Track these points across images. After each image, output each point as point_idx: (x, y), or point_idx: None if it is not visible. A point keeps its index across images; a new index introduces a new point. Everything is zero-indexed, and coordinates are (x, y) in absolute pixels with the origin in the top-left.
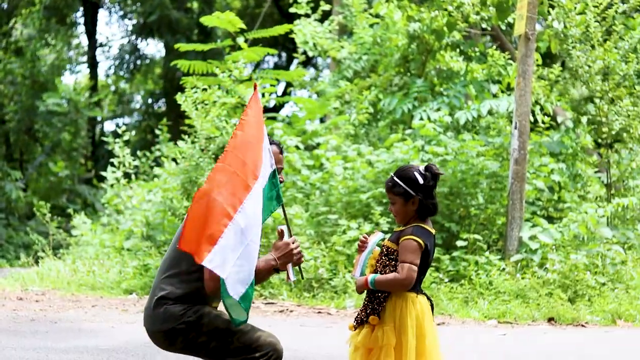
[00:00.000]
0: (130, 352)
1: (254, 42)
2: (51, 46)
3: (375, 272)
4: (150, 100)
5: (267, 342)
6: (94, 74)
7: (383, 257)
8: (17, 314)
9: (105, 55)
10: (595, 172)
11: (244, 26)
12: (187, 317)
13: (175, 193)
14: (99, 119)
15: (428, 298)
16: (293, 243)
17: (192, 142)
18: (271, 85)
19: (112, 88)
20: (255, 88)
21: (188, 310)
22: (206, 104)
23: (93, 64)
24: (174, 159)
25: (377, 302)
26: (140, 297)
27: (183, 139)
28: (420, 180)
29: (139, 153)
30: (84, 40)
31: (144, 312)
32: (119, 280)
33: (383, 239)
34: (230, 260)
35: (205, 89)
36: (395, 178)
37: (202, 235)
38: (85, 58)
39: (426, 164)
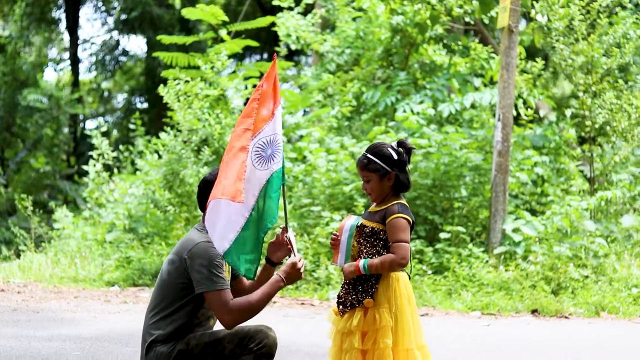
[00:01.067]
0: (113, 340)
1: (236, 36)
2: (32, 43)
3: (360, 255)
4: (131, 98)
5: (257, 331)
6: (75, 71)
7: (368, 238)
8: None
9: (87, 52)
10: (577, 166)
11: (226, 18)
12: (176, 351)
13: (157, 185)
14: (81, 117)
15: (408, 274)
16: (299, 261)
17: (175, 135)
18: (252, 78)
19: (94, 85)
20: (274, 58)
21: (176, 344)
22: (189, 96)
23: (74, 61)
24: (156, 151)
25: (369, 285)
26: (122, 289)
27: (166, 131)
28: (395, 156)
29: (121, 147)
30: (65, 37)
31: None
32: (101, 273)
33: (359, 222)
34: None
35: (187, 81)
36: (369, 155)
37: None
38: (67, 55)
39: (397, 140)
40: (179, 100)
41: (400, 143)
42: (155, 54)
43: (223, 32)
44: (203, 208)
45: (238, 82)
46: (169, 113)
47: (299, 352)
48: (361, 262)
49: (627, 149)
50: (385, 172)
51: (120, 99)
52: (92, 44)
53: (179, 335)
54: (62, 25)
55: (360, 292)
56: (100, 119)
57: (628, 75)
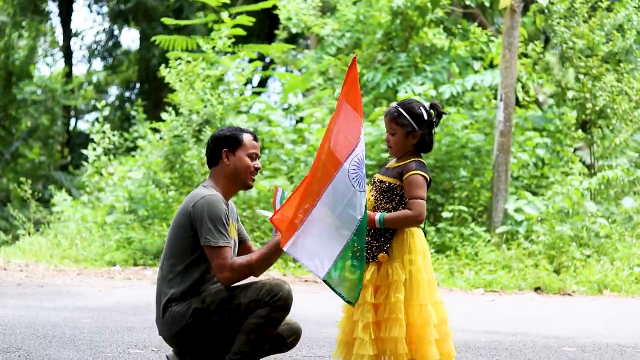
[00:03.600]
0: (120, 310)
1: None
2: (25, 35)
3: (376, 208)
4: (125, 90)
5: (272, 284)
6: (68, 63)
7: (385, 193)
8: (2, 279)
9: (80, 44)
10: (575, 150)
11: (227, 0)
12: (192, 309)
13: (157, 167)
14: (72, 114)
15: (424, 230)
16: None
17: (176, 115)
18: (253, 60)
19: (88, 77)
20: (354, 61)
21: (192, 302)
22: (190, 77)
23: (67, 54)
24: (157, 130)
25: (384, 240)
26: (124, 269)
27: (167, 111)
28: (425, 116)
29: (116, 133)
30: (58, 29)
31: (156, 322)
32: (102, 253)
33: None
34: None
35: (189, 62)
36: (400, 109)
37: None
38: (60, 47)
39: (430, 102)
40: (180, 81)
41: (433, 105)
42: (153, 38)
43: (224, 15)
44: (208, 162)
45: (239, 63)
46: (170, 95)
47: (306, 321)
48: (377, 215)
49: (627, 132)
50: (412, 129)
51: (113, 89)
52: (84, 37)
53: (193, 291)
54: (55, 17)
55: (375, 247)
56: (94, 114)
57: (627, 62)
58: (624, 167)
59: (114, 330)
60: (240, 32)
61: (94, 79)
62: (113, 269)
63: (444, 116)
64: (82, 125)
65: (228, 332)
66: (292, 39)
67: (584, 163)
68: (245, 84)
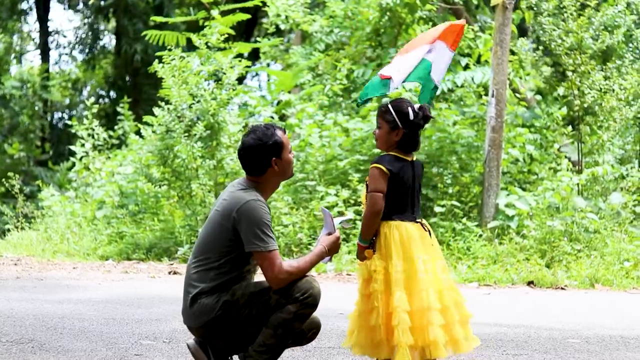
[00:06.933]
0: (124, 303)
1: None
2: (2, 31)
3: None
4: (104, 86)
5: (302, 281)
6: (46, 60)
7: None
8: (0, 273)
9: (59, 40)
10: (559, 148)
11: None
12: (221, 302)
13: (147, 162)
14: (50, 109)
15: (422, 225)
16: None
17: (168, 110)
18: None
19: (65, 76)
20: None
21: (221, 296)
22: (183, 72)
23: (45, 50)
24: (148, 124)
25: (372, 239)
26: (118, 262)
27: (160, 107)
28: (411, 116)
29: (101, 129)
30: (36, 26)
31: (182, 312)
32: (94, 247)
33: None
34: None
35: (182, 57)
36: (389, 105)
37: None
38: (37, 43)
39: (421, 104)
40: (174, 76)
41: (422, 107)
42: (144, 33)
43: (215, 12)
44: (252, 172)
45: (231, 60)
46: (161, 91)
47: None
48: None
49: (614, 129)
50: (396, 125)
51: (90, 88)
52: (61, 32)
53: (223, 288)
54: (33, 14)
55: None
56: (72, 110)
57: (612, 61)
58: (610, 163)
59: (121, 322)
60: (229, 31)
61: (73, 75)
62: (107, 263)
63: (430, 120)
64: (63, 121)
65: (254, 325)
66: (277, 34)
67: (569, 159)
68: (239, 81)
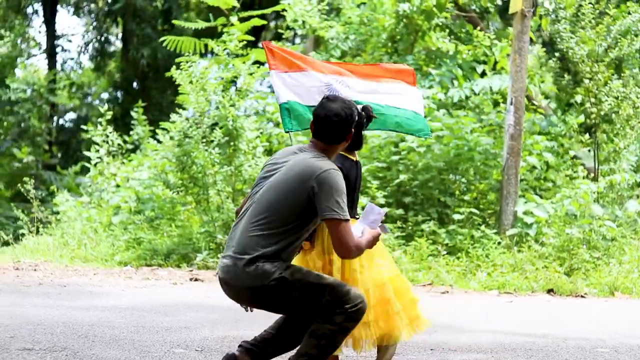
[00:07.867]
0: (151, 310)
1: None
2: (8, 35)
3: None
4: (111, 91)
5: (356, 295)
6: (52, 63)
7: None
8: (22, 279)
9: (66, 44)
10: (572, 157)
11: (237, 4)
12: (279, 274)
13: (164, 168)
14: (57, 113)
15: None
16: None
17: (186, 118)
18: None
19: (69, 79)
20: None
21: (280, 267)
22: (202, 79)
23: (51, 54)
24: (165, 129)
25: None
26: (137, 268)
27: (178, 113)
28: (355, 117)
29: (115, 134)
30: (43, 29)
31: (225, 267)
32: (112, 253)
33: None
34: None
35: (200, 64)
36: None
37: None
38: (44, 47)
39: (364, 105)
40: (191, 82)
41: (365, 108)
42: (162, 39)
43: (234, 19)
44: (330, 140)
45: (249, 66)
46: (179, 97)
47: None
48: None
49: (631, 136)
50: None
51: (98, 91)
52: (70, 36)
53: (284, 253)
54: (40, 17)
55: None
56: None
57: (626, 68)
58: (627, 171)
59: (151, 330)
60: (249, 37)
61: (79, 78)
62: (125, 269)
63: (374, 120)
64: (70, 125)
65: (294, 310)
66: (284, 39)
67: (584, 166)
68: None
